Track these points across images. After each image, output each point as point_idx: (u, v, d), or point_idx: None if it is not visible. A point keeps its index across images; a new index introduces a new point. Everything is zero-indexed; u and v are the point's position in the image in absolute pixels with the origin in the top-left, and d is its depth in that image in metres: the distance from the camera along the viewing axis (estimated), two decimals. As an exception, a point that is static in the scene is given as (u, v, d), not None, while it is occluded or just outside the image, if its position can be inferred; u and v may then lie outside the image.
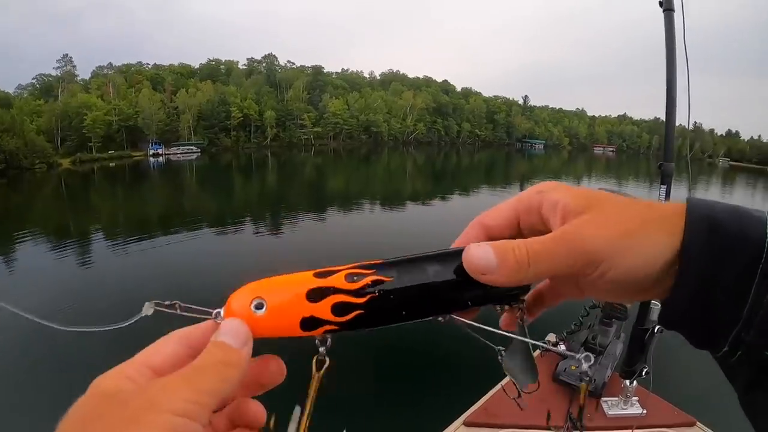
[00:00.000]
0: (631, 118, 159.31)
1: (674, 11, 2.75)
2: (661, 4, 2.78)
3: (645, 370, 2.83)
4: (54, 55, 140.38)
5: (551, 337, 3.74)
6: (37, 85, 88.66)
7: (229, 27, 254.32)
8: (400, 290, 0.44)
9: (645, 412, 2.94)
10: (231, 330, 0.42)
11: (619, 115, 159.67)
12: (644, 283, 0.43)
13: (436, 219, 21.76)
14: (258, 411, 0.46)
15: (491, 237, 0.49)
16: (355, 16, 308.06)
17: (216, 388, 0.39)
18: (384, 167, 60.68)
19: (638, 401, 3.00)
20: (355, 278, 0.44)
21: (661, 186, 2.93)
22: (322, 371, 0.46)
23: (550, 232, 0.44)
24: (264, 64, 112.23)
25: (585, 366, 0.48)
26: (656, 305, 2.64)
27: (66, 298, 11.44)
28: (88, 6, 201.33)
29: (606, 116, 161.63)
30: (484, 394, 3.14)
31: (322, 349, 0.45)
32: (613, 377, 3.22)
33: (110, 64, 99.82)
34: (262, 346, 0.43)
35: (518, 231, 0.49)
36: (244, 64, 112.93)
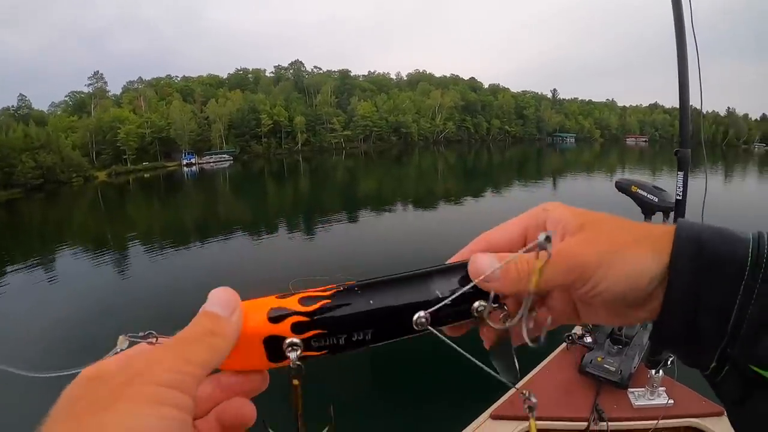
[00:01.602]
0: (663, 106, 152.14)
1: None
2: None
3: (670, 359, 2.78)
4: (84, 73, 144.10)
5: (578, 329, 3.57)
6: (70, 102, 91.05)
7: (255, 36, 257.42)
8: (361, 307, 0.45)
9: (672, 402, 2.84)
10: (219, 298, 0.41)
11: (650, 104, 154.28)
12: (633, 300, 0.45)
13: (468, 219, 20.88)
14: (247, 411, 0.44)
15: (494, 251, 0.50)
16: (378, 19, 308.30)
17: (204, 359, 0.37)
18: (415, 167, 59.97)
19: (665, 391, 2.91)
20: (308, 301, 0.44)
21: (679, 173, 2.88)
22: (297, 380, 0.44)
23: None
24: (291, 71, 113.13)
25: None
26: None
27: (104, 309, 11.11)
28: (114, 24, 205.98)
29: (637, 106, 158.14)
30: (509, 389, 2.76)
31: (293, 356, 0.43)
32: (640, 367, 3.12)
33: (140, 78, 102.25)
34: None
35: (523, 247, 0.49)
36: (272, 72, 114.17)
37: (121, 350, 0.40)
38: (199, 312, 0.40)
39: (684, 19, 2.68)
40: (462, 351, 0.47)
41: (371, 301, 0.45)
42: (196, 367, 0.36)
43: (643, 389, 2.92)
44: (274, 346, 0.43)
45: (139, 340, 0.41)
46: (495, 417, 2.83)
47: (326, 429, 0.49)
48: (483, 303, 0.47)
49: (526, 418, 2.38)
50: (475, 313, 0.47)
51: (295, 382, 0.44)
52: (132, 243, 20.01)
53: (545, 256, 0.42)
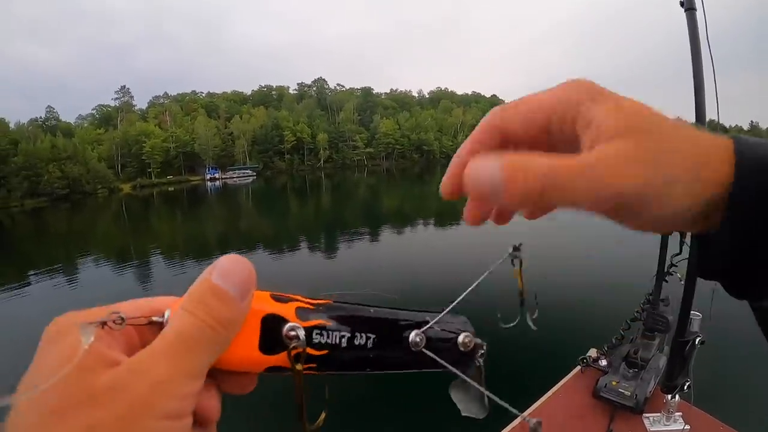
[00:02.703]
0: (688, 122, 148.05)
1: (695, 10, 2.66)
2: (682, 4, 2.69)
3: (687, 383, 2.72)
4: (110, 87, 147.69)
5: (592, 352, 3.55)
6: (97, 115, 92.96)
7: (278, 54, 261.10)
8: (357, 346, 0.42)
9: (688, 427, 2.80)
10: (235, 273, 0.35)
11: (675, 117, 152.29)
12: (681, 223, 0.38)
13: (490, 235, 20.56)
14: (214, 404, 0.37)
15: (504, 147, 0.40)
16: (399, 37, 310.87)
17: (208, 364, 0.33)
18: (437, 185, 59.29)
19: (681, 416, 2.86)
20: (305, 315, 0.40)
21: None
22: (300, 366, 0.39)
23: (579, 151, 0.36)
24: (314, 88, 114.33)
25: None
26: (697, 316, 2.75)
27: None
28: (140, 40, 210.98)
29: None
30: (521, 412, 2.58)
31: (301, 334, 0.38)
32: (656, 392, 3.06)
33: (166, 93, 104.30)
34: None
35: (546, 139, 0.39)
36: (295, 89, 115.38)
37: (87, 345, 0.30)
38: (203, 282, 0.34)
39: (699, 33, 2.66)
40: (459, 372, 0.45)
41: (372, 310, 0.43)
42: (200, 378, 0.32)
43: (659, 414, 2.89)
44: (271, 331, 0.38)
45: (103, 324, 0.32)
46: None
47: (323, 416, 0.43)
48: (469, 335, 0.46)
49: None
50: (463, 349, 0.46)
51: (299, 367, 0.38)
52: (154, 255, 19.86)
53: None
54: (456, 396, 0.48)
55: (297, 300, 0.40)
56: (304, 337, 0.38)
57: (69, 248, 24.26)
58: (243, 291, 0.34)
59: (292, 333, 0.38)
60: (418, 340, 0.43)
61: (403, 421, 5.91)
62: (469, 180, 0.35)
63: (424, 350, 0.44)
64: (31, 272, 17.24)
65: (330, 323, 0.40)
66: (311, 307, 0.40)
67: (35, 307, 12.34)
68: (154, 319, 0.34)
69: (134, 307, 0.35)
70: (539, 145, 0.39)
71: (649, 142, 0.34)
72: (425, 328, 0.44)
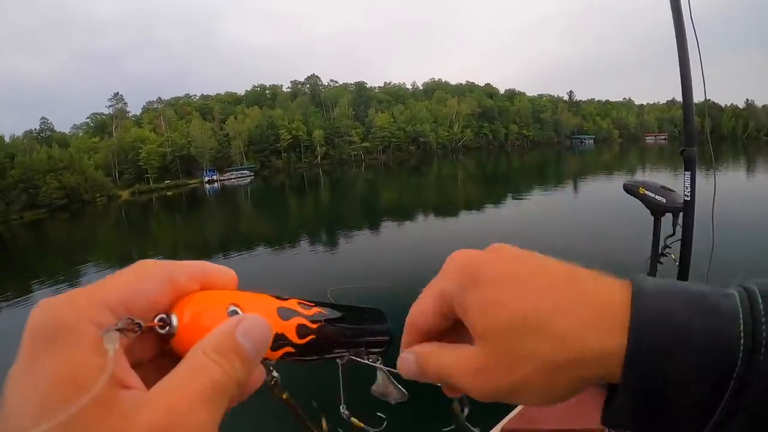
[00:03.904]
0: (680, 102, 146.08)
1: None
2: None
3: None
4: (103, 95, 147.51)
5: None
6: (91, 124, 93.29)
7: (270, 53, 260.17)
8: (335, 324, 0.47)
9: None
10: (257, 332, 0.35)
11: (667, 101, 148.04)
12: (578, 390, 0.38)
13: (489, 224, 20.52)
14: None
15: (430, 337, 0.45)
16: (390, 31, 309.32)
17: (223, 412, 0.31)
18: (435, 177, 59.47)
19: None
20: (306, 306, 0.44)
21: (686, 172, 2.78)
22: (285, 393, 0.44)
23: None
24: (308, 86, 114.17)
25: None
26: None
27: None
28: (130, 47, 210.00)
29: (654, 103, 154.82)
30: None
31: (275, 374, 0.42)
32: None
33: (159, 98, 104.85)
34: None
35: (452, 321, 0.44)
36: (289, 87, 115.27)
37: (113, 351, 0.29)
38: (229, 336, 0.33)
39: (683, 13, 2.63)
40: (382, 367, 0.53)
41: (345, 320, 0.49)
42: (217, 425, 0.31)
43: None
44: (277, 341, 0.40)
45: (125, 329, 0.31)
46: (507, 431, 2.84)
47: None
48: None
49: (541, 431, 2.82)
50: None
51: (284, 395, 0.44)
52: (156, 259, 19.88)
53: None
54: (380, 394, 0.55)
55: (299, 315, 0.43)
56: (278, 376, 0.42)
57: (70, 257, 24.35)
58: (258, 354, 0.34)
59: (274, 374, 0.42)
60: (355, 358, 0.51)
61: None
62: (400, 369, 0.44)
63: (353, 358, 0.50)
64: (34, 282, 17.34)
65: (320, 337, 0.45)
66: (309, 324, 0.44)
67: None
68: (158, 324, 0.34)
69: (132, 290, 0.33)
70: (447, 328, 0.45)
71: (505, 347, 0.37)
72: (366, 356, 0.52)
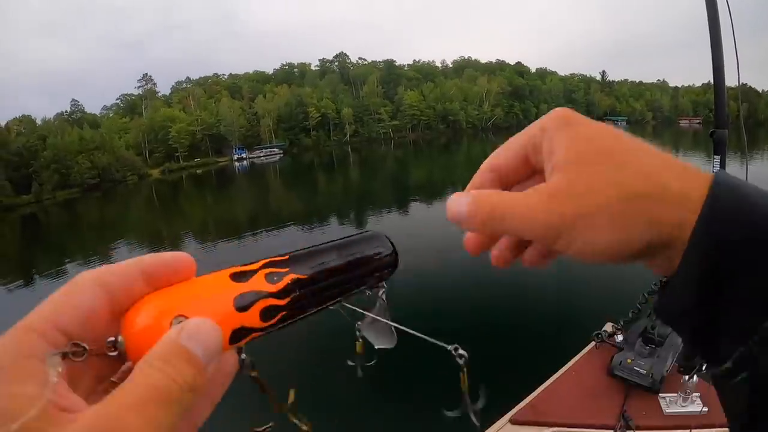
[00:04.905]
0: None
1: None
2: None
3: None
4: (132, 76, 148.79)
5: (608, 326, 3.39)
6: (121, 105, 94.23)
7: (297, 31, 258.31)
8: (314, 285, 0.42)
9: (706, 409, 2.56)
10: (203, 334, 0.32)
11: (703, 84, 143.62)
12: (634, 255, 0.37)
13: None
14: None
15: (502, 180, 0.45)
16: (420, 7, 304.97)
17: (175, 422, 0.29)
18: (465, 155, 58.54)
19: (700, 398, 2.63)
20: (275, 278, 0.39)
21: (715, 156, 2.72)
22: (254, 371, 0.40)
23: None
24: (336, 63, 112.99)
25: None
26: None
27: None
28: (154, 30, 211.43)
29: (690, 86, 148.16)
30: (531, 392, 2.91)
31: (243, 356, 0.39)
32: (673, 371, 2.88)
33: (188, 78, 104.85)
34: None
35: (530, 169, 0.44)
36: (317, 66, 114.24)
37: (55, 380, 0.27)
38: (172, 343, 0.30)
39: None
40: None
41: (319, 273, 0.43)
42: None
43: (675, 395, 2.73)
44: (238, 334, 0.36)
45: (68, 355, 0.30)
46: (515, 422, 2.70)
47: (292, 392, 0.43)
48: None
49: (550, 424, 2.62)
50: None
51: (253, 373, 0.40)
52: (187, 237, 19.90)
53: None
54: (367, 333, 0.53)
55: (263, 297, 0.38)
56: (247, 357, 0.39)
57: (102, 235, 24.45)
58: (210, 355, 0.31)
59: (243, 356, 0.39)
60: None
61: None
62: (448, 211, 0.41)
63: (344, 304, 0.47)
64: (67, 260, 17.47)
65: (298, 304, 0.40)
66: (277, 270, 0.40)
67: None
68: (107, 348, 0.32)
69: (63, 307, 0.31)
70: (525, 177, 0.44)
71: (587, 172, 0.36)
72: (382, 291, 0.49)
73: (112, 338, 0.32)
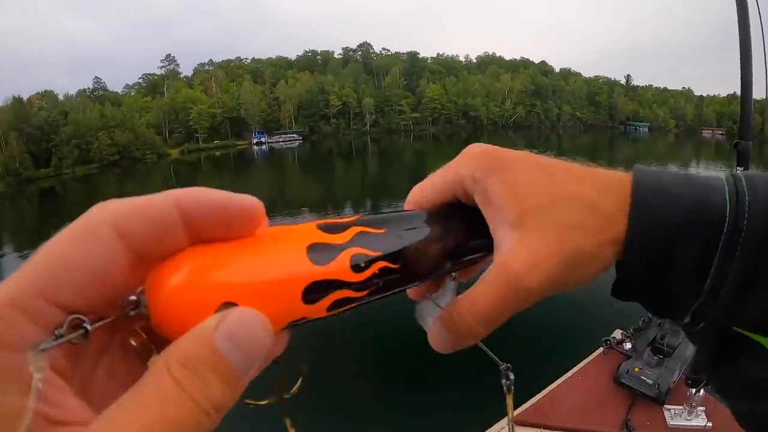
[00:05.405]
0: None
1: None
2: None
3: None
4: (155, 56, 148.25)
5: (617, 333, 3.34)
6: (144, 84, 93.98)
7: (322, 18, 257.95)
8: (400, 276, 0.35)
9: (710, 425, 2.58)
10: (249, 337, 0.24)
11: (728, 95, 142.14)
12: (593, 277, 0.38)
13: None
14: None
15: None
16: (448, 1, 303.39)
17: None
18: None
19: (704, 412, 2.63)
20: (362, 266, 0.32)
21: (738, 168, 2.62)
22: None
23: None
24: (359, 53, 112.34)
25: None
26: None
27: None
28: (181, 12, 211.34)
29: (715, 96, 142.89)
30: (536, 394, 2.90)
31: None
32: (680, 383, 2.85)
33: (210, 60, 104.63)
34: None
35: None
36: (340, 54, 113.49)
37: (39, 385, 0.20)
38: (204, 342, 0.23)
39: (747, 3, 2.55)
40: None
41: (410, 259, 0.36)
42: None
43: (680, 407, 2.71)
44: (292, 325, 0.29)
45: (58, 338, 0.22)
46: (518, 423, 2.71)
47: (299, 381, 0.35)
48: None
49: (553, 427, 2.61)
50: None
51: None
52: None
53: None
54: (421, 314, 0.43)
55: (344, 287, 0.31)
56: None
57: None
58: (250, 365, 0.24)
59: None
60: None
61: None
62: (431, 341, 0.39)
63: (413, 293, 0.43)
64: None
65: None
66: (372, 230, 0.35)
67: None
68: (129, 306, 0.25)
69: (62, 267, 0.23)
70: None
71: (548, 221, 0.36)
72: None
73: (133, 297, 0.25)
